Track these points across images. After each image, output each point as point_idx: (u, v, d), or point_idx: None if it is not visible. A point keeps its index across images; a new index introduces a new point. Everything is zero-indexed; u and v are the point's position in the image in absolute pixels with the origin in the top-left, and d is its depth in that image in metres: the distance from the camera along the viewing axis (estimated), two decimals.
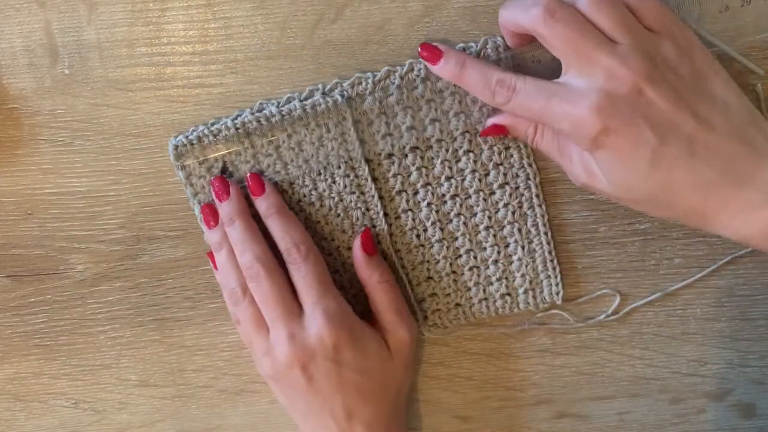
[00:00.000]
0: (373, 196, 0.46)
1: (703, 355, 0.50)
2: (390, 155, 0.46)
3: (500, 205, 0.47)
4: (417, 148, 0.46)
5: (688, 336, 0.49)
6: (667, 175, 0.38)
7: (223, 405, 0.50)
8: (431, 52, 0.43)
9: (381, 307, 0.46)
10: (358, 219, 0.47)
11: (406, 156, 0.46)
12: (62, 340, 0.50)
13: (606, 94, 0.37)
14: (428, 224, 0.47)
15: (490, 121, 0.45)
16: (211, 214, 0.46)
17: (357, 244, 0.46)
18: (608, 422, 0.51)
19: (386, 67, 0.45)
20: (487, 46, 0.44)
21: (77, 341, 0.50)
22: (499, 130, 0.45)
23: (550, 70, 0.42)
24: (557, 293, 0.48)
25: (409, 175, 0.47)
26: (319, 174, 0.46)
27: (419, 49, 0.44)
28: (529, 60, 0.44)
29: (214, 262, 0.47)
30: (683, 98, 0.38)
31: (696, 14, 0.44)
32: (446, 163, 0.46)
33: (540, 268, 0.48)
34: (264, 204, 0.46)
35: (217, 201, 0.46)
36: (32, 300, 0.50)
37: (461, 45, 0.45)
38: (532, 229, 0.47)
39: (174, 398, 0.51)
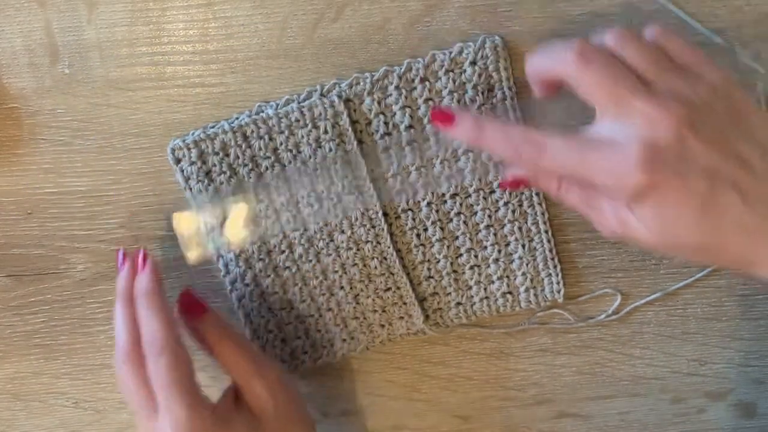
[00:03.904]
0: (372, 196, 0.46)
1: (704, 355, 0.50)
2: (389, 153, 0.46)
3: (500, 203, 0.47)
4: (414, 140, 0.46)
5: (689, 335, 0.49)
6: (717, 223, 0.35)
7: None
8: (443, 116, 0.40)
9: (229, 371, 0.44)
10: (356, 219, 0.47)
11: (405, 156, 0.46)
12: (62, 340, 0.50)
13: (649, 144, 0.34)
14: (428, 223, 0.47)
15: (509, 173, 0.41)
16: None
17: (177, 307, 0.45)
18: (609, 422, 0.51)
19: (384, 67, 0.45)
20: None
21: (77, 341, 0.50)
22: (519, 184, 0.42)
23: (569, 116, 0.40)
24: (558, 291, 0.48)
25: (408, 175, 0.47)
26: (318, 176, 0.46)
27: (430, 116, 0.40)
28: (548, 110, 0.42)
29: None
30: (725, 140, 0.35)
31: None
32: (446, 163, 0.46)
33: (541, 266, 0.48)
34: (139, 283, 0.44)
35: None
36: (32, 300, 0.50)
37: (460, 44, 0.45)
38: (533, 228, 0.47)
39: None
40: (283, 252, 0.47)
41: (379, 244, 0.47)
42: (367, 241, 0.47)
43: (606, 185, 0.36)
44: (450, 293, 0.48)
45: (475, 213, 0.47)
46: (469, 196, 0.47)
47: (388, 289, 0.48)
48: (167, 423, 0.40)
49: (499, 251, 0.48)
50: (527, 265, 0.48)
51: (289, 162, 0.46)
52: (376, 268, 0.47)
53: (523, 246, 0.48)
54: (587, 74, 0.36)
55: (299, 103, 0.46)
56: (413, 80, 0.45)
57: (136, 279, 0.44)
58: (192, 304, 0.45)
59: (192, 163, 0.46)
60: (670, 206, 0.35)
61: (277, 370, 0.45)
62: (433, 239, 0.47)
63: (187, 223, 0.47)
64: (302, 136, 0.46)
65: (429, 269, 0.48)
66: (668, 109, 0.35)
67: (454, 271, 0.48)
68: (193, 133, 0.46)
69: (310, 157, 0.46)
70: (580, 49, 0.36)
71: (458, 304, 0.49)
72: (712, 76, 0.37)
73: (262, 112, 0.46)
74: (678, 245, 0.37)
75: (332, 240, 0.47)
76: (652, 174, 0.34)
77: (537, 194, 0.47)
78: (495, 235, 0.47)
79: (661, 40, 0.38)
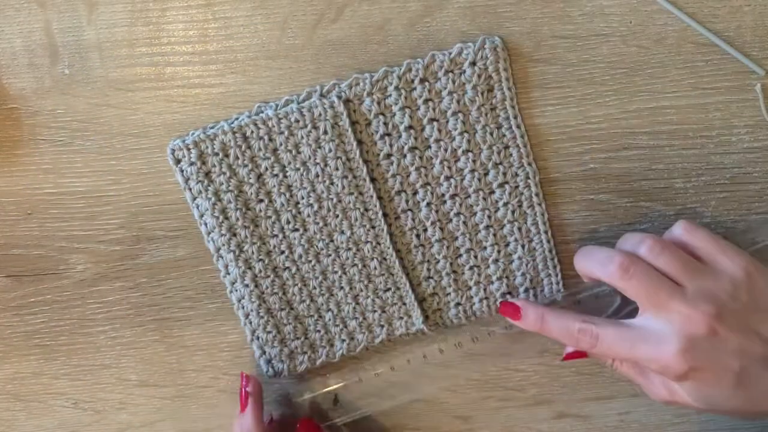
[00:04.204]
0: (371, 197, 0.46)
1: None
2: (388, 155, 0.46)
3: (500, 204, 0.47)
4: (416, 148, 0.46)
5: None
6: (750, 391, 0.42)
7: (223, 405, 0.50)
8: (511, 309, 0.45)
9: None
10: (356, 219, 0.47)
11: (405, 156, 0.46)
12: (62, 340, 0.50)
13: (687, 338, 0.41)
14: (428, 224, 0.47)
15: (571, 349, 0.47)
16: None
17: None
18: (608, 422, 0.51)
19: (384, 68, 0.45)
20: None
21: (77, 341, 0.50)
22: (581, 355, 0.46)
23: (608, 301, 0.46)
24: (558, 291, 0.48)
25: (408, 175, 0.47)
26: (317, 176, 0.46)
27: (499, 307, 0.46)
28: (590, 297, 0.46)
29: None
30: (749, 324, 0.42)
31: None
32: (445, 163, 0.46)
33: (540, 266, 0.48)
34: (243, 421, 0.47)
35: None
36: (32, 300, 0.50)
37: (459, 45, 0.45)
38: (532, 228, 0.47)
39: (174, 398, 0.51)
40: (283, 252, 0.47)
41: (379, 244, 0.47)
42: (367, 242, 0.47)
43: (654, 369, 0.43)
44: (449, 293, 0.48)
45: (475, 213, 0.47)
46: (469, 196, 0.47)
47: (388, 289, 0.48)
48: None
49: (499, 252, 0.48)
50: (527, 265, 0.48)
51: (289, 163, 0.46)
52: (375, 268, 0.47)
53: (523, 246, 0.48)
54: (629, 284, 0.42)
55: (299, 103, 0.46)
56: (413, 81, 0.45)
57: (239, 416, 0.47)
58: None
59: (192, 164, 0.46)
60: (708, 385, 0.42)
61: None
62: (433, 240, 0.47)
63: None
64: (302, 137, 0.45)
65: (428, 270, 0.48)
66: (701, 309, 0.41)
67: (454, 272, 0.48)
68: (192, 134, 0.46)
69: (309, 157, 0.46)
70: (622, 264, 0.42)
71: (458, 304, 0.49)
72: (734, 268, 0.43)
73: (262, 112, 0.46)
74: (720, 411, 0.44)
75: (332, 240, 0.47)
76: (691, 362, 0.41)
77: (537, 194, 0.47)
78: (494, 235, 0.47)
79: (686, 236, 0.44)
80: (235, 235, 0.47)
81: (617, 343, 0.43)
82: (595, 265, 0.44)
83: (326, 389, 0.49)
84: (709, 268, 0.43)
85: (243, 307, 0.48)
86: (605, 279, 0.43)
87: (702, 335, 0.41)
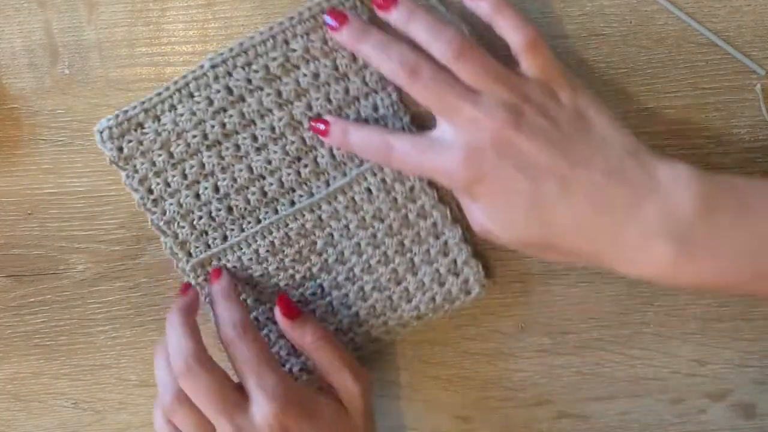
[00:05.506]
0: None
1: (704, 355, 0.50)
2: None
3: (406, 242, 0.46)
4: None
5: (688, 336, 0.49)
6: (546, 215, 0.38)
7: None
8: (319, 124, 0.44)
9: (324, 368, 0.45)
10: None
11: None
12: (62, 340, 0.50)
13: (472, 144, 0.39)
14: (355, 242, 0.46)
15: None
16: None
17: (278, 312, 0.45)
18: (608, 422, 0.51)
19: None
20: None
21: (77, 341, 0.50)
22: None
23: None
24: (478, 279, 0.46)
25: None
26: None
27: (309, 125, 0.45)
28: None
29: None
30: (554, 141, 0.38)
31: None
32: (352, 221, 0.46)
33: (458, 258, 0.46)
34: (217, 286, 0.45)
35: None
36: (32, 300, 0.50)
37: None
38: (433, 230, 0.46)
39: None
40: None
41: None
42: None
43: (443, 183, 0.41)
44: (381, 315, 0.47)
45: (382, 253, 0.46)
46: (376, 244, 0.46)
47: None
48: (262, 399, 0.41)
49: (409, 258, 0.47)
50: (440, 261, 0.46)
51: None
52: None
53: (428, 250, 0.46)
54: (417, 88, 0.40)
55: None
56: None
57: (211, 286, 0.45)
58: (290, 308, 0.46)
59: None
60: (499, 200, 0.39)
61: (367, 374, 0.46)
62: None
63: None
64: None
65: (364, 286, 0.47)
66: (491, 114, 0.38)
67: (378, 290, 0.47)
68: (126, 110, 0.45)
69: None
70: (408, 63, 0.40)
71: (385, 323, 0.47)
72: (552, 80, 0.40)
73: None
74: (522, 241, 0.40)
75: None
76: (472, 170, 0.39)
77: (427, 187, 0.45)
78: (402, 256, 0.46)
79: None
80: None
81: (409, 153, 0.41)
82: (382, 61, 0.41)
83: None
84: (523, 80, 0.40)
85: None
86: (394, 82, 0.41)
87: (488, 142, 0.38)
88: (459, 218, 0.46)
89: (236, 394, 0.42)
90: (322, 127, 0.44)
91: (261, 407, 0.41)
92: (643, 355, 0.50)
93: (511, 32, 0.41)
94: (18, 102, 0.47)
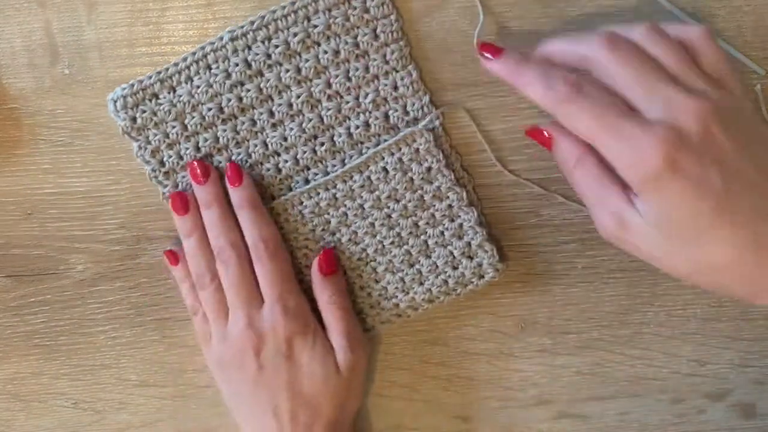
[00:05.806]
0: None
1: (703, 355, 0.50)
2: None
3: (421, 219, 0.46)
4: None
5: (688, 336, 0.49)
6: (730, 232, 0.34)
7: (223, 405, 0.50)
8: (492, 49, 0.40)
9: (330, 328, 0.46)
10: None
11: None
12: (62, 340, 0.50)
13: (676, 126, 0.34)
14: (378, 223, 0.46)
15: (539, 124, 0.40)
16: (181, 202, 0.46)
17: (315, 264, 0.46)
18: (608, 422, 0.51)
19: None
20: None
21: (77, 341, 0.50)
22: (542, 139, 0.40)
23: None
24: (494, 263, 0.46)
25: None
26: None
27: (478, 48, 0.40)
28: None
29: (172, 258, 0.47)
30: (747, 143, 0.35)
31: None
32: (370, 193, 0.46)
33: (473, 241, 0.46)
34: (239, 195, 0.46)
35: (194, 183, 0.46)
36: (32, 300, 0.50)
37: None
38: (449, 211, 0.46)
39: (174, 398, 0.51)
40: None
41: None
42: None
43: (623, 159, 0.35)
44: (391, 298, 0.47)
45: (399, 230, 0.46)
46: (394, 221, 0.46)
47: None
48: (277, 310, 0.45)
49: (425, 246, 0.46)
50: (456, 243, 0.46)
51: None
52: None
53: (442, 232, 0.46)
54: (616, 60, 0.36)
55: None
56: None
57: (234, 189, 0.45)
58: (330, 262, 0.46)
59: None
60: (684, 200, 0.34)
61: (368, 346, 0.48)
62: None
63: None
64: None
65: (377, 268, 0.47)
66: (695, 99, 0.35)
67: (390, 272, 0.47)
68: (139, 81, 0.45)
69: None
70: (610, 36, 0.37)
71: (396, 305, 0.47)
72: (735, 90, 0.37)
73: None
74: (681, 256, 0.36)
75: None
76: (675, 152, 0.34)
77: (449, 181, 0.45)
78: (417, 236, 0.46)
79: (697, 43, 0.37)
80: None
81: (600, 105, 0.35)
82: (572, 40, 0.38)
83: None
84: (712, 81, 0.37)
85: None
86: (588, 53, 0.37)
87: (693, 128, 0.34)
88: (474, 201, 0.46)
89: (257, 293, 0.45)
90: (496, 51, 0.40)
91: (274, 315, 0.45)
92: (643, 355, 0.50)
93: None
94: (18, 102, 0.47)
